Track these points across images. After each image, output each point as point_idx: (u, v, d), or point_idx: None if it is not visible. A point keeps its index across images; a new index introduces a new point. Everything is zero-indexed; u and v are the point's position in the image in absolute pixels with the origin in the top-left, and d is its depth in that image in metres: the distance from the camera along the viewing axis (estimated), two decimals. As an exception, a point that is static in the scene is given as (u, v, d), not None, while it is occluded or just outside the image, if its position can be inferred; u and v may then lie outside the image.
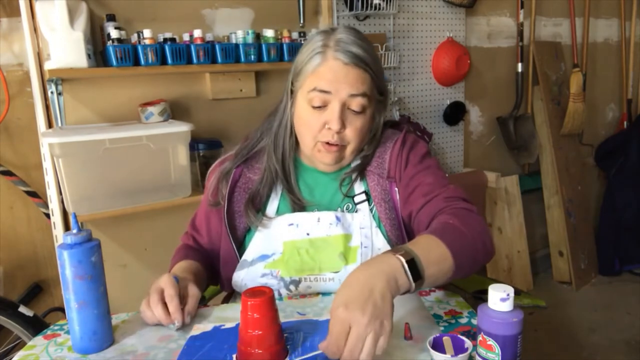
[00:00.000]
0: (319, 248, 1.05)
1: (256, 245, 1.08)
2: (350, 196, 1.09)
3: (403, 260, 0.78)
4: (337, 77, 0.99)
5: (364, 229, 1.06)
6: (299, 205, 1.09)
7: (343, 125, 1.01)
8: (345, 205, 1.09)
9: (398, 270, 0.77)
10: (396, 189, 1.07)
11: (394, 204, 1.06)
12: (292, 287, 1.05)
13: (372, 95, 1.04)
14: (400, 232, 1.07)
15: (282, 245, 1.06)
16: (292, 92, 1.08)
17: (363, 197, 1.08)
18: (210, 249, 1.16)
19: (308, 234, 1.06)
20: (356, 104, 1.01)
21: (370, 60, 1.02)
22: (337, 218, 1.05)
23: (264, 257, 1.07)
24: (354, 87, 1.00)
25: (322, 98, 1.00)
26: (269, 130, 1.13)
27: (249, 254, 1.08)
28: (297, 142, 1.11)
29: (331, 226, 1.05)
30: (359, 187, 1.10)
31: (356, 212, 1.08)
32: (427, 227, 0.96)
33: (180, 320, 0.90)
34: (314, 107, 1.02)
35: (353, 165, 1.11)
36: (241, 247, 1.10)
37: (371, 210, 1.08)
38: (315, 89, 1.00)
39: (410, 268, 0.78)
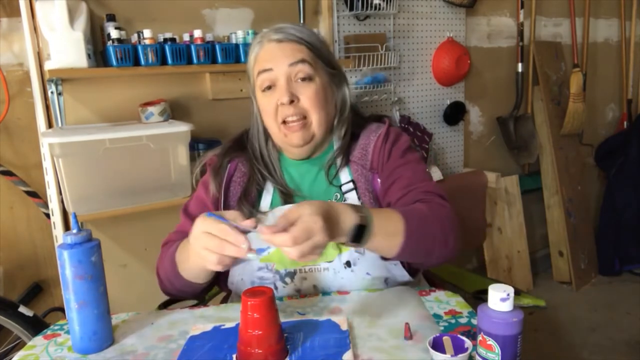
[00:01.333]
0: None
1: (251, 239, 1.07)
2: (337, 185, 1.12)
3: (356, 222, 0.86)
4: (274, 54, 1.05)
5: None
6: (288, 197, 1.11)
7: (294, 96, 1.04)
8: (334, 195, 1.11)
9: (347, 225, 0.86)
10: (378, 179, 1.09)
11: (376, 193, 1.09)
12: (287, 280, 1.06)
13: (316, 65, 1.07)
14: None
15: None
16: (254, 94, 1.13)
17: (350, 185, 1.11)
18: None
19: None
20: (300, 71, 1.05)
21: (306, 36, 1.07)
22: None
23: (259, 251, 1.08)
24: (291, 56, 1.04)
25: (267, 78, 1.05)
26: (249, 129, 1.18)
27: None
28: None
29: None
30: (345, 176, 1.12)
31: (344, 201, 1.10)
32: None
33: (249, 244, 0.82)
34: (264, 91, 1.07)
35: (332, 153, 1.13)
36: None
37: (359, 198, 1.10)
38: (259, 72, 1.06)
39: (358, 231, 0.87)
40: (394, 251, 0.92)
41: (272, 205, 1.12)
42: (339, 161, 1.12)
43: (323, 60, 1.09)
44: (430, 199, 1.02)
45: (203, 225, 0.85)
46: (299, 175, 1.15)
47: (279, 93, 1.05)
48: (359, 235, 0.87)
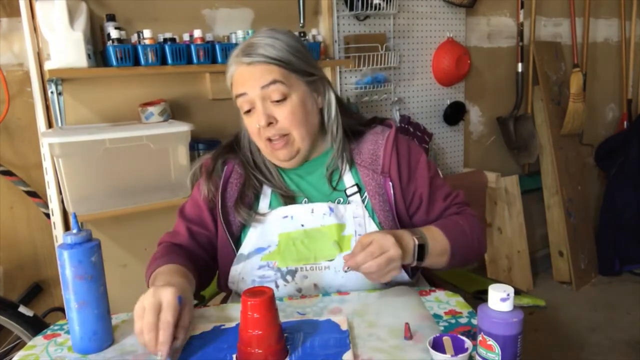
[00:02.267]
0: (313, 238, 1.07)
1: (251, 239, 1.09)
2: (341, 190, 1.11)
3: (416, 242, 0.98)
4: (245, 78, 1.04)
5: (358, 218, 1.09)
6: (289, 198, 1.11)
7: (271, 118, 1.04)
8: (337, 200, 1.11)
9: (408, 245, 0.97)
10: (390, 183, 1.09)
11: (388, 197, 1.10)
12: (288, 278, 1.07)
13: (290, 81, 1.05)
14: (394, 223, 1.10)
15: (277, 237, 1.08)
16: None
17: (355, 189, 1.11)
18: (205, 240, 1.14)
19: (302, 225, 1.08)
20: (273, 92, 1.03)
21: (276, 53, 1.04)
22: (330, 209, 1.08)
23: (260, 250, 1.09)
24: (261, 79, 1.03)
25: (244, 101, 1.05)
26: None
27: (245, 247, 1.09)
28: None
29: (325, 216, 1.08)
30: (349, 179, 1.12)
31: (348, 204, 1.10)
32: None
33: (166, 355, 0.78)
34: (245, 113, 1.07)
35: (331, 156, 1.12)
36: (237, 241, 1.12)
37: (363, 201, 1.10)
38: (236, 97, 1.07)
39: (418, 250, 0.99)
40: (442, 266, 1.06)
41: (271, 207, 1.11)
42: (340, 164, 1.12)
43: (298, 72, 1.06)
44: (462, 210, 1.14)
45: (148, 300, 0.81)
46: (298, 177, 1.15)
47: (257, 117, 1.05)
48: (420, 254, 0.99)
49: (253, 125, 1.06)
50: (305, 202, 1.11)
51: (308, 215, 1.08)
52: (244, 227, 1.11)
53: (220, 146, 1.19)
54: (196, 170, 1.17)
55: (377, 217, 1.09)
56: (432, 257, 1.02)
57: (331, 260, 1.06)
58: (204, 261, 1.13)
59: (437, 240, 1.03)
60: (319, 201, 1.11)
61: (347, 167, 1.12)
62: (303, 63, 1.07)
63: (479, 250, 1.11)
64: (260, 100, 1.04)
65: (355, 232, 1.07)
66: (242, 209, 1.08)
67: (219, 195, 1.10)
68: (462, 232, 1.07)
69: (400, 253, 0.92)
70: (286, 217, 1.08)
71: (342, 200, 1.11)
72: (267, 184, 1.13)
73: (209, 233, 1.13)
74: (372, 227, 1.08)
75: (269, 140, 1.06)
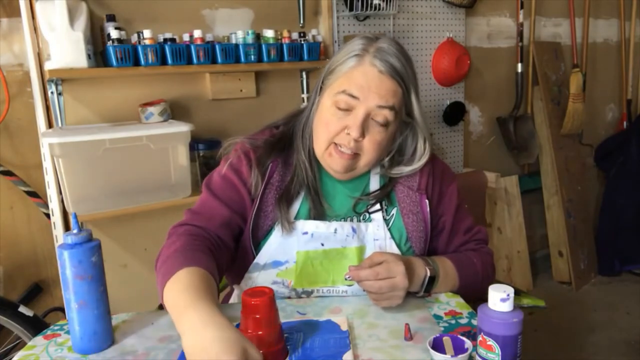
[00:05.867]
0: (333, 259, 1.03)
1: (269, 249, 1.03)
2: (363, 205, 1.07)
3: (428, 273, 0.98)
4: (369, 84, 0.96)
5: (378, 240, 1.05)
6: (317, 212, 1.05)
7: (362, 134, 0.97)
8: (362, 215, 1.07)
9: (419, 276, 0.98)
10: (427, 201, 1.07)
11: (424, 215, 1.07)
12: (303, 296, 1.04)
13: (400, 112, 1.00)
14: (425, 244, 1.08)
15: (295, 255, 1.03)
16: (321, 89, 1.04)
17: (378, 206, 1.07)
18: (237, 232, 1.04)
19: (322, 245, 1.03)
20: (381, 115, 0.97)
21: (406, 76, 0.98)
22: (353, 229, 1.03)
23: (277, 264, 1.03)
24: (384, 98, 0.96)
25: (348, 102, 0.97)
26: (297, 126, 1.08)
27: (262, 257, 1.03)
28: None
29: (347, 238, 1.03)
30: (374, 183, 1.09)
31: (371, 221, 1.06)
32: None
33: None
34: (338, 109, 0.98)
35: (373, 187, 1.08)
36: (258, 246, 1.05)
37: (386, 221, 1.06)
38: (344, 92, 0.97)
39: (428, 281, 0.99)
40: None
41: (298, 215, 1.04)
42: (377, 198, 1.07)
43: (407, 106, 1.02)
44: (480, 247, 1.14)
45: (240, 341, 0.68)
46: (333, 189, 1.08)
47: (352, 123, 0.96)
48: (428, 286, 0.99)
49: (339, 125, 0.98)
50: (330, 220, 1.05)
51: (330, 235, 1.02)
52: (267, 234, 1.04)
53: (269, 137, 1.07)
54: (226, 150, 1.07)
55: (408, 236, 1.06)
56: (439, 289, 1.02)
57: (350, 285, 1.03)
58: (230, 256, 1.02)
59: (448, 276, 1.03)
60: (343, 217, 1.06)
61: (378, 174, 1.09)
62: (416, 101, 1.02)
63: (484, 286, 1.00)
64: (365, 113, 0.96)
65: None
66: (283, 207, 1.01)
67: (259, 195, 1.02)
68: (474, 273, 1.07)
69: (406, 285, 0.91)
70: (306, 233, 1.02)
71: (366, 216, 1.07)
72: (312, 183, 1.05)
73: (242, 225, 1.03)
74: (392, 250, 1.05)
75: (337, 145, 0.99)
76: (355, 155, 1.00)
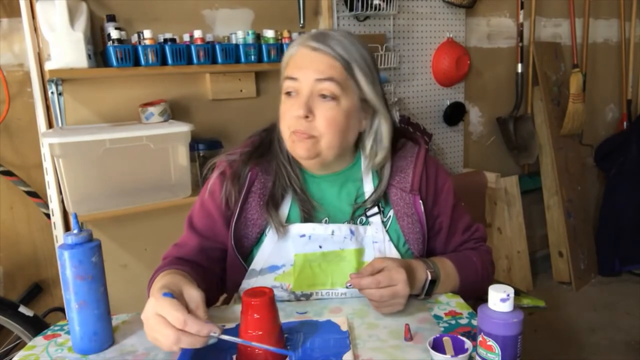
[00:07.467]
0: (331, 262, 1.03)
1: (264, 255, 1.03)
2: (361, 209, 1.06)
3: (429, 277, 0.98)
4: (304, 62, 0.98)
5: (377, 243, 1.04)
6: (308, 214, 1.05)
7: (310, 112, 0.96)
8: (358, 219, 1.06)
9: (420, 280, 0.98)
10: (421, 202, 1.05)
11: (419, 216, 1.05)
12: (302, 299, 1.04)
13: (347, 86, 0.98)
14: (423, 245, 1.07)
15: (292, 258, 1.02)
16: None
17: (375, 209, 1.06)
18: (218, 255, 1.07)
19: (320, 247, 1.02)
20: (324, 90, 0.96)
21: (347, 52, 0.98)
22: (351, 231, 1.03)
23: (273, 268, 1.03)
24: (319, 71, 0.96)
25: (292, 86, 0.98)
26: (275, 130, 1.08)
27: (258, 263, 1.03)
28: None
29: (345, 240, 1.02)
30: (369, 187, 1.08)
31: (369, 225, 1.05)
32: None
33: (216, 328, 0.75)
34: (287, 96, 1.00)
35: (368, 188, 1.07)
36: (248, 256, 1.05)
37: (384, 223, 1.06)
38: (287, 78, 1.00)
39: (429, 285, 0.99)
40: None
41: (289, 219, 1.04)
42: (372, 199, 1.06)
43: (359, 84, 0.99)
44: (479, 246, 1.14)
45: (157, 307, 0.75)
46: (318, 190, 1.07)
47: (297, 105, 0.97)
48: (429, 289, 0.99)
49: (288, 110, 0.99)
50: (325, 222, 1.05)
51: (327, 237, 1.02)
52: (257, 241, 1.04)
53: (247, 147, 1.08)
54: (207, 172, 1.09)
55: (405, 238, 1.05)
56: (439, 291, 1.02)
57: (349, 288, 1.02)
58: (216, 275, 1.06)
59: (449, 277, 1.03)
60: (338, 216, 1.06)
61: (370, 177, 1.08)
62: (366, 79, 1.00)
63: (485, 286, 1.00)
64: (308, 90, 0.96)
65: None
66: (272, 210, 1.01)
67: (239, 206, 1.02)
68: (474, 272, 1.07)
69: (408, 292, 0.91)
70: (303, 235, 1.01)
71: (363, 220, 1.06)
72: (297, 185, 1.05)
73: (222, 246, 1.05)
74: (392, 253, 1.04)
75: (295, 132, 0.98)
76: (313, 138, 0.97)
